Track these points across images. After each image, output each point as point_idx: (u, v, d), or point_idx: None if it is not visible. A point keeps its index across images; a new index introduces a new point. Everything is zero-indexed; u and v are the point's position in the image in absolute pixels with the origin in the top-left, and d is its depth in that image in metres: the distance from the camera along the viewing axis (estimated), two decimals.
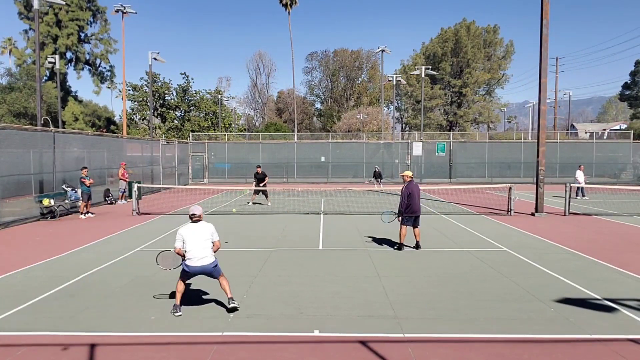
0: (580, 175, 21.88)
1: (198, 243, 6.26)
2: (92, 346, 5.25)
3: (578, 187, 21.78)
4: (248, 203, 19.46)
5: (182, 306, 6.40)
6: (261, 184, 19.18)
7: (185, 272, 6.35)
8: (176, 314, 6.20)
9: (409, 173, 10.58)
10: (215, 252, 6.46)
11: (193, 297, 6.97)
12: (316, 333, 5.65)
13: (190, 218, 6.48)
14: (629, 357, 4.99)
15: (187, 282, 6.50)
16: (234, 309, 6.27)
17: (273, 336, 5.55)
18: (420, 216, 10.60)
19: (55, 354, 5.10)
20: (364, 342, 5.36)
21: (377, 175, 27.88)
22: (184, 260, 6.35)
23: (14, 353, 5.08)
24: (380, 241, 11.42)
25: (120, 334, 5.62)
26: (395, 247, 10.41)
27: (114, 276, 8.23)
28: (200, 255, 6.24)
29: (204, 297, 7.03)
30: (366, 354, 5.09)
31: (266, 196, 19.42)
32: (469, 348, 5.23)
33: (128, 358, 5.02)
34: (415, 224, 10.39)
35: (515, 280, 7.99)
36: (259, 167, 19.59)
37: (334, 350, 5.19)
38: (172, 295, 6.72)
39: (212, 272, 6.37)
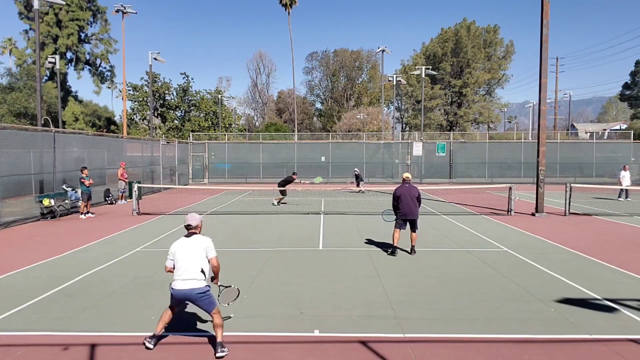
0: (626, 176, 20.83)
1: (185, 260, 5.10)
2: (92, 346, 5.25)
3: (622, 189, 21.09)
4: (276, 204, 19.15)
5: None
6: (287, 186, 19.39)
7: (171, 296, 5.20)
8: (147, 344, 5.14)
9: (405, 175, 10.36)
10: (215, 273, 5.40)
11: None
12: (316, 333, 5.65)
13: (187, 229, 5.37)
14: (629, 357, 4.99)
15: (176, 309, 5.40)
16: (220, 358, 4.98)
17: (273, 336, 5.55)
18: (421, 216, 10.42)
19: (55, 354, 5.10)
20: (364, 342, 5.35)
21: (357, 178, 26.50)
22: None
23: (14, 353, 5.08)
24: (380, 241, 11.41)
25: (120, 334, 5.62)
26: (389, 252, 9.98)
27: (114, 276, 8.23)
28: (185, 275, 5.05)
29: None
30: (366, 354, 5.08)
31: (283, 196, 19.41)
32: (469, 348, 5.23)
33: (128, 358, 5.02)
34: (411, 228, 10.03)
35: (515, 280, 7.98)
36: (295, 174, 20.03)
37: (334, 350, 5.19)
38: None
39: (197, 300, 5.06)
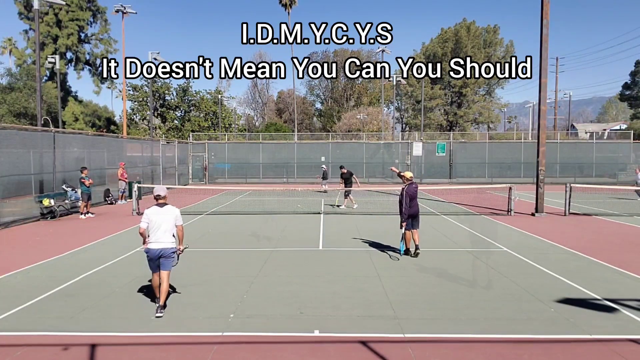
0: None
1: (162, 229, 6.26)
2: (92, 346, 5.25)
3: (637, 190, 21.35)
4: (339, 206, 18.43)
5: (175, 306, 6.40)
6: (348, 185, 18.34)
7: (148, 258, 6.37)
8: (157, 315, 6.12)
9: (408, 174, 10.04)
10: (180, 238, 6.47)
11: (193, 296, 6.97)
12: (316, 333, 5.65)
13: (156, 199, 6.44)
14: (629, 357, 4.99)
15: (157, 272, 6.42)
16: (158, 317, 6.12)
17: (273, 336, 5.55)
18: (421, 216, 10.41)
19: (55, 354, 5.10)
20: (364, 342, 5.35)
21: (324, 176, 25.88)
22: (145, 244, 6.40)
23: (14, 353, 5.08)
24: (380, 242, 11.41)
25: (120, 334, 5.62)
26: (402, 253, 9.89)
27: (114, 276, 8.23)
28: (162, 239, 6.25)
29: (204, 296, 7.03)
30: (366, 354, 5.08)
31: (347, 196, 18.44)
32: (469, 348, 5.23)
33: (128, 358, 5.02)
34: (415, 226, 10.00)
35: (515, 280, 7.98)
36: (343, 167, 18.80)
37: (334, 350, 5.19)
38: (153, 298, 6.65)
39: (167, 257, 6.28)
